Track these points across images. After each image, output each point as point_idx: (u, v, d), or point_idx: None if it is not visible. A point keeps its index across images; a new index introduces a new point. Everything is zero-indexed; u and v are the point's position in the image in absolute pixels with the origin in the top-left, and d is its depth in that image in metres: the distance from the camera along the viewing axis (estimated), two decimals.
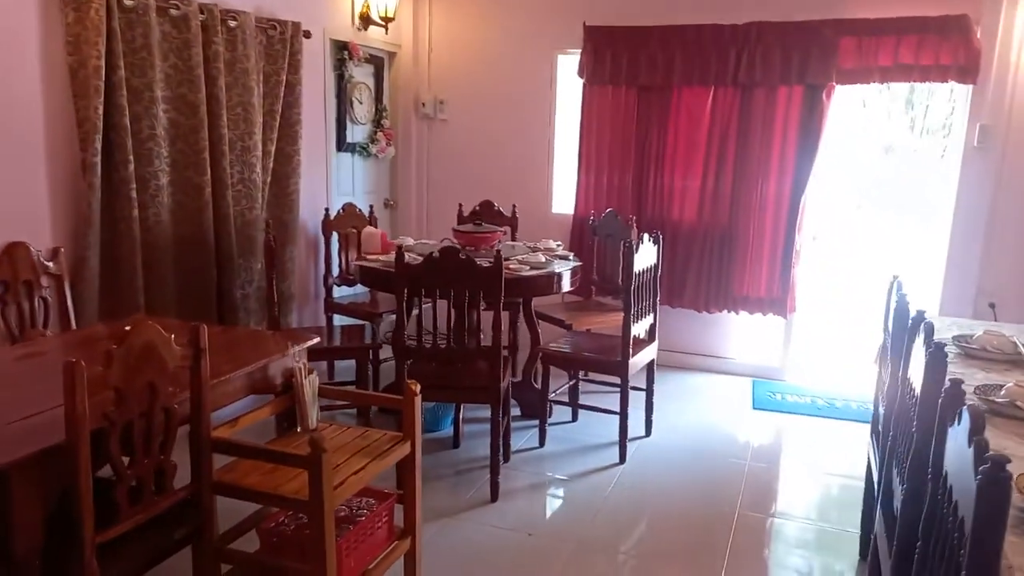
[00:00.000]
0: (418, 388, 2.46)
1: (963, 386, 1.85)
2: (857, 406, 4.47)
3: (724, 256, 4.83)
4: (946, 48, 4.17)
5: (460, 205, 4.91)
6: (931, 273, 4.60)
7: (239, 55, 3.88)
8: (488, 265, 3.13)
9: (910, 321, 2.15)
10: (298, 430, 2.58)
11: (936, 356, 1.77)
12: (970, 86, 4.20)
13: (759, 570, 2.91)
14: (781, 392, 4.70)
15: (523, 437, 3.97)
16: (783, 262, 4.73)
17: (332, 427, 2.63)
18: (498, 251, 3.17)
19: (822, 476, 3.69)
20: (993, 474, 1.15)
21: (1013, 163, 4.13)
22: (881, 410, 2.61)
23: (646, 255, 3.70)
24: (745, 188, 4.72)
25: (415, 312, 3.40)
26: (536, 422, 4.02)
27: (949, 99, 7.62)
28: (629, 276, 3.53)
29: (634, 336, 3.64)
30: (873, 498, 2.83)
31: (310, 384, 2.57)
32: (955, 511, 1.38)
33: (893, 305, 2.43)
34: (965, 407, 1.38)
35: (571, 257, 4.10)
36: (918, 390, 1.90)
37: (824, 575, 2.90)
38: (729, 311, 4.92)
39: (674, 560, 2.92)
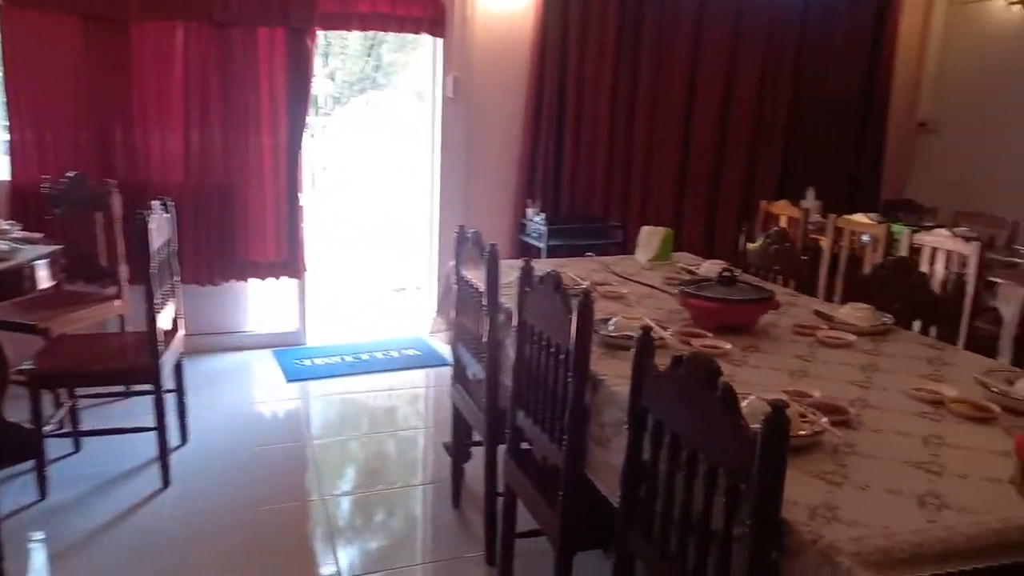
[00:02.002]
0: None
1: None
2: (383, 356, 4.52)
3: (224, 220, 4.26)
4: (417, 1, 4.33)
5: None
6: (425, 213, 4.90)
7: None
8: None
9: (520, 270, 2.15)
10: None
11: (586, 305, 1.78)
12: (441, 39, 4.48)
13: (368, 546, 2.70)
14: (308, 357, 4.46)
15: (10, 494, 2.88)
16: (289, 220, 4.42)
17: None
18: None
19: (386, 435, 3.62)
20: (777, 420, 1.16)
21: (480, 110, 4.60)
22: (470, 359, 2.61)
23: (161, 228, 2.97)
24: (237, 142, 4.19)
25: None
26: (23, 468, 2.97)
27: (363, 55, 8.19)
28: (147, 256, 2.78)
29: (161, 329, 2.92)
30: (465, 447, 2.88)
31: None
32: (692, 460, 1.38)
33: (480, 256, 2.40)
34: (690, 355, 1.38)
35: (40, 240, 3.06)
36: (558, 339, 1.90)
37: (436, 531, 2.87)
38: (237, 280, 4.41)
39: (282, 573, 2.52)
